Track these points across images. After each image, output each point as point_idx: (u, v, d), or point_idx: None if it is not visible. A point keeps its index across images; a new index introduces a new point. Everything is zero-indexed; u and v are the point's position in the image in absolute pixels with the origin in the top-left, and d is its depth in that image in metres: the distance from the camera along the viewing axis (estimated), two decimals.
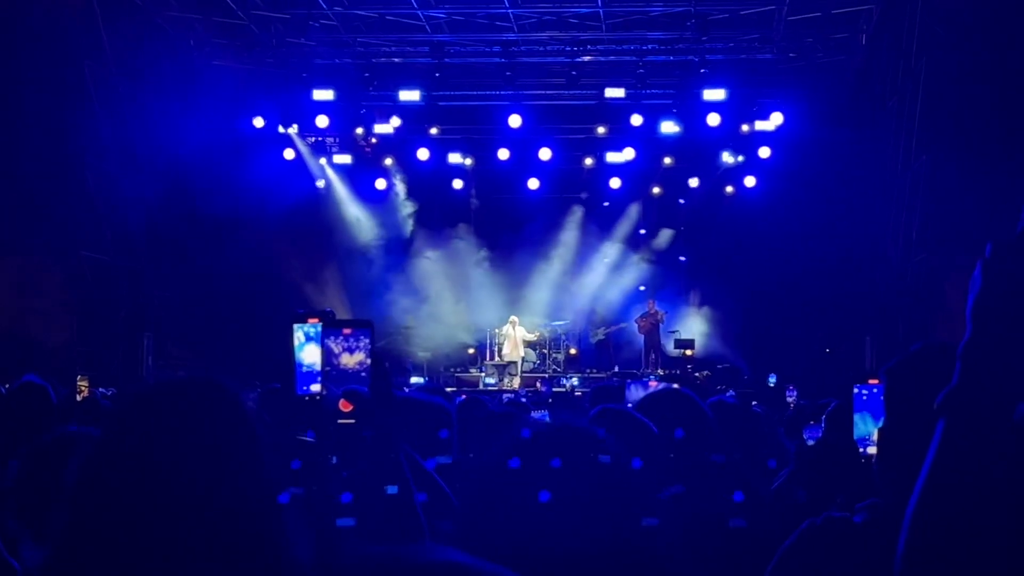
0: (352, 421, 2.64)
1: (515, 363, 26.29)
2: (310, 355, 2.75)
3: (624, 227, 29.44)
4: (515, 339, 26.62)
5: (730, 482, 3.46)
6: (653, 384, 5.18)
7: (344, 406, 2.65)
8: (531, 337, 27.24)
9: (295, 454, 2.49)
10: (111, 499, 2.00)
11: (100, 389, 14.32)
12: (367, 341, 2.73)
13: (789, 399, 16.84)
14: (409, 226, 29.23)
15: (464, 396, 8.15)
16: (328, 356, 2.70)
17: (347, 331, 2.72)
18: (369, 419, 2.66)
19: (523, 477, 2.05)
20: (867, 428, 3.40)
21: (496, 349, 26.94)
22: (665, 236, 29.24)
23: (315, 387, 2.74)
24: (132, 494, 1.99)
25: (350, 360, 2.71)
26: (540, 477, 2.03)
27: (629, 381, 6.22)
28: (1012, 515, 1.60)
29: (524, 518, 2.00)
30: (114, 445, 2.09)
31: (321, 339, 2.72)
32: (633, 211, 29.48)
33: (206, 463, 2.04)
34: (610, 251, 29.26)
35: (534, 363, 27.37)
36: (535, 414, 7.91)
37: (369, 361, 2.72)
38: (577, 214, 29.36)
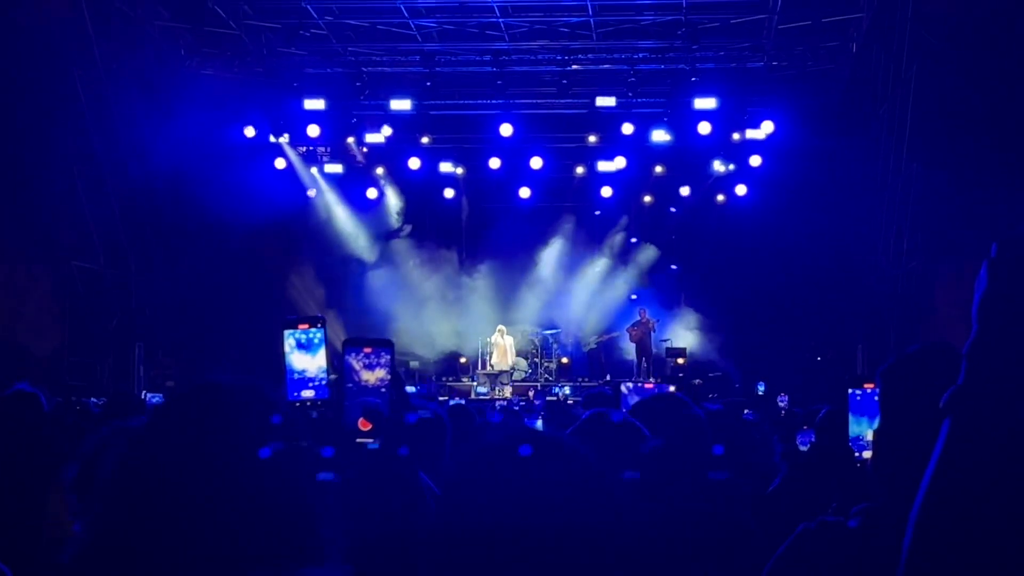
0: (371, 440, 2.64)
1: (506, 372, 26.28)
2: (300, 362, 2.74)
3: (615, 236, 29.47)
4: (504, 348, 26.62)
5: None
6: (649, 386, 5.17)
7: (363, 425, 2.64)
8: (517, 361, 27.16)
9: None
10: (145, 493, 2.03)
11: (93, 399, 14.25)
12: (388, 358, 2.74)
13: (781, 404, 16.87)
14: (400, 235, 29.24)
15: (453, 402, 8.15)
16: (349, 372, 2.71)
17: (367, 349, 2.73)
18: (388, 436, 2.66)
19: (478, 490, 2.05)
20: (861, 429, 3.40)
21: (488, 356, 26.95)
22: (649, 253, 29.23)
23: (307, 393, 2.73)
24: (166, 490, 2.02)
25: (371, 376, 2.71)
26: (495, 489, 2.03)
27: (628, 384, 6.22)
28: (1019, 515, 1.59)
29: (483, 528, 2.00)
30: (152, 441, 2.12)
31: (342, 354, 2.72)
32: (624, 220, 29.50)
33: (241, 467, 2.06)
34: (601, 260, 29.30)
35: (526, 372, 27.38)
36: (528, 421, 7.91)
37: (390, 377, 2.72)
38: (568, 223, 29.40)
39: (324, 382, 2.71)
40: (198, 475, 2.02)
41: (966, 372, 1.66)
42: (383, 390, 2.70)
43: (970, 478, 1.62)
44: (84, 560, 2.04)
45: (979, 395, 1.64)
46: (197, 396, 2.17)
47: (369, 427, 2.63)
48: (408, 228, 29.36)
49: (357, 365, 2.71)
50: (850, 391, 3.48)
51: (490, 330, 27.20)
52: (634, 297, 28.72)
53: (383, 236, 29.01)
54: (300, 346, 2.74)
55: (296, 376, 2.73)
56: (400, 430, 2.72)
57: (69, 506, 3.68)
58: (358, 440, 2.63)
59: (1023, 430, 1.61)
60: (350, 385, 2.70)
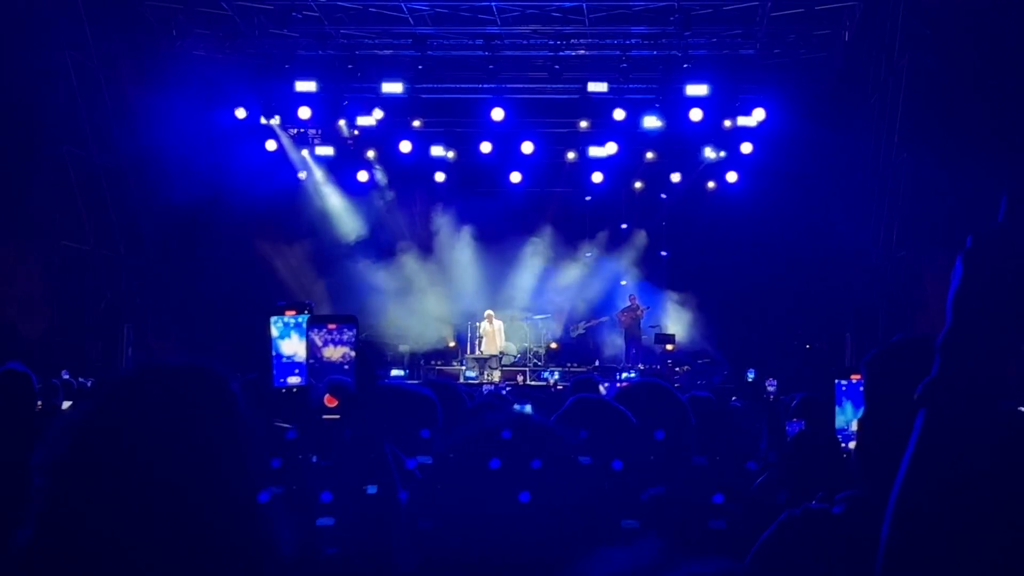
0: (337, 416, 2.63)
1: (495, 357, 26.29)
2: (288, 347, 2.74)
3: (605, 221, 29.45)
4: (492, 333, 26.63)
5: (710, 484, 3.48)
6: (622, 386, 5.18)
7: (329, 401, 2.63)
8: (505, 346, 27.14)
9: (275, 451, 2.48)
10: (90, 479, 1.98)
11: (80, 379, 14.25)
12: (352, 334, 2.73)
13: (770, 388, 16.94)
14: (390, 218, 29.21)
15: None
16: (312, 349, 2.70)
17: (332, 326, 2.72)
18: (353, 414, 2.65)
19: (503, 477, 2.06)
20: (847, 419, 3.43)
21: (477, 343, 26.96)
22: (639, 239, 29.17)
23: (293, 379, 2.73)
24: (112, 476, 1.97)
25: (334, 353, 2.70)
26: (520, 477, 2.04)
27: (598, 376, 6.24)
28: (991, 505, 1.61)
29: (504, 517, 2.01)
30: (98, 424, 2.06)
31: (305, 332, 2.71)
32: (615, 205, 29.48)
33: (191, 451, 2.02)
34: (591, 245, 29.29)
35: (514, 357, 27.38)
36: (517, 407, 7.90)
37: (353, 354, 2.71)
38: (558, 208, 29.39)
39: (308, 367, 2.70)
40: (143, 460, 1.98)
41: (940, 364, 1.68)
42: (347, 367, 2.69)
43: (945, 469, 1.65)
44: (34, 542, 2.01)
45: (953, 387, 1.66)
46: (140, 378, 2.12)
47: (335, 403, 2.62)
48: (391, 195, 29.28)
49: (319, 341, 2.70)
50: (836, 381, 3.50)
51: (479, 315, 27.21)
52: (624, 283, 28.72)
53: (373, 219, 28.94)
54: (287, 332, 2.75)
55: (284, 360, 2.73)
56: (374, 408, 2.72)
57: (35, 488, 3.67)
58: (324, 416, 2.62)
59: (995, 422, 1.64)
60: (312, 362, 2.69)
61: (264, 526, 2.04)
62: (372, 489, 2.53)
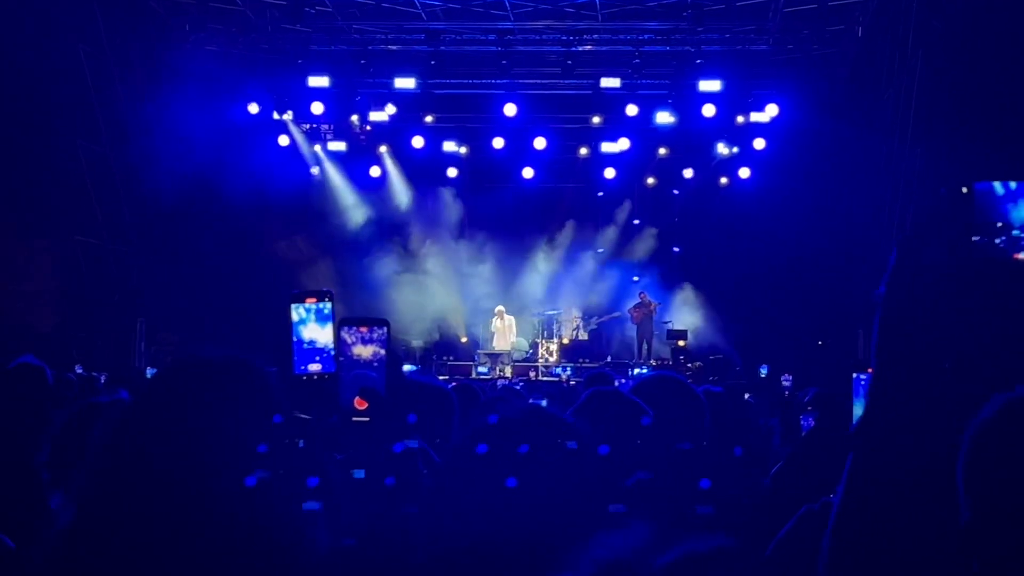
0: (367, 419, 2.64)
1: (507, 352, 26.32)
2: (308, 333, 2.75)
3: (618, 217, 29.45)
4: (504, 329, 26.66)
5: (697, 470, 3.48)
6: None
7: (359, 404, 2.65)
8: (518, 342, 27.17)
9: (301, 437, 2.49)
10: (134, 465, 2.02)
11: (94, 373, 14.28)
12: (382, 333, 2.74)
13: (785, 384, 16.92)
14: (402, 213, 29.21)
15: (455, 383, 8.16)
16: (342, 347, 2.71)
17: (363, 329, 2.73)
18: (383, 414, 2.66)
19: (490, 463, 2.06)
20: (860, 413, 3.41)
21: (489, 338, 26.99)
22: (651, 236, 29.17)
23: (314, 367, 2.73)
24: (155, 462, 2.01)
25: (364, 351, 2.71)
26: (507, 463, 2.05)
27: (610, 371, 6.24)
28: (915, 535, 1.68)
29: (491, 503, 2.01)
30: (144, 413, 2.11)
31: (337, 331, 2.73)
32: (627, 201, 29.47)
33: (233, 440, 2.05)
34: (603, 241, 29.29)
35: (526, 353, 27.39)
36: (532, 401, 7.92)
37: (383, 352, 2.73)
38: (571, 204, 29.39)
39: (331, 355, 2.71)
40: (186, 451, 2.00)
41: (867, 408, 1.74)
42: (376, 364, 2.70)
43: (873, 506, 1.71)
44: (70, 535, 2.02)
45: (878, 429, 1.71)
46: (183, 372, 2.16)
47: (365, 406, 2.63)
48: (404, 190, 29.27)
49: (350, 339, 2.71)
50: (854, 375, 3.49)
51: (491, 310, 27.25)
52: (636, 279, 28.71)
53: (385, 214, 28.96)
54: (308, 319, 2.75)
55: (305, 346, 2.74)
56: (401, 406, 2.73)
57: (43, 483, 3.71)
58: (354, 419, 2.64)
59: (916, 463, 1.69)
60: (342, 359, 2.70)
61: (299, 515, 2.08)
62: (391, 481, 2.54)
